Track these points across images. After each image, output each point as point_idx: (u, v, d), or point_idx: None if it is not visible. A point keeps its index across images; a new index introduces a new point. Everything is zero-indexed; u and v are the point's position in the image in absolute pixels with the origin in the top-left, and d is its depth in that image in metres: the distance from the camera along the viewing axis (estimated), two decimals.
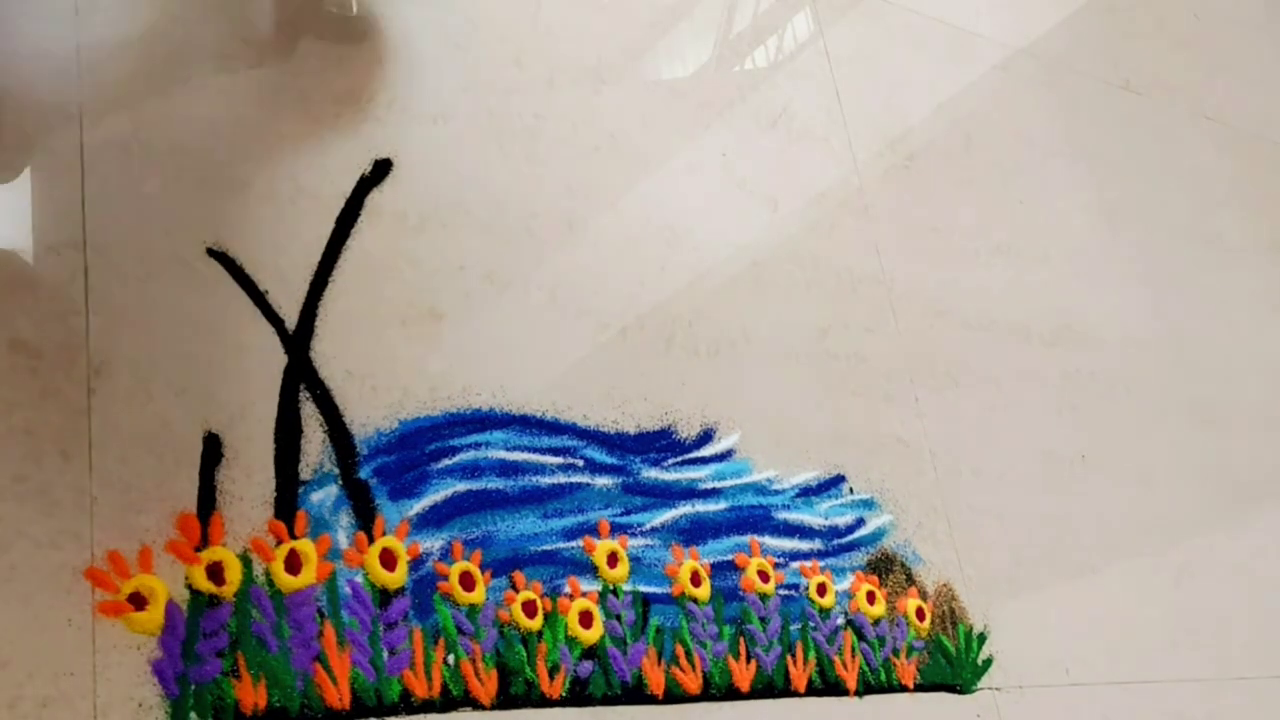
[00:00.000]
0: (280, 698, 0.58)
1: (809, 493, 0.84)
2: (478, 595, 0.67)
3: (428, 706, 0.63)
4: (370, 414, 0.67)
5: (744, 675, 0.75)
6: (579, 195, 0.82)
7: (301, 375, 0.65)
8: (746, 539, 0.80)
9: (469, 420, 0.71)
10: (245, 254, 0.66)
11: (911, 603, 0.85)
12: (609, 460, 0.76)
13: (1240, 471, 1.18)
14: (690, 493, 0.79)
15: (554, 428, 0.74)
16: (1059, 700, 0.91)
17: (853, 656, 0.80)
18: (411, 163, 0.75)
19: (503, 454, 0.72)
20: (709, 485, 0.80)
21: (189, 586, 0.58)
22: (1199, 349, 1.23)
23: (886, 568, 0.86)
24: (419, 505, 0.67)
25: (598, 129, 0.86)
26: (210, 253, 0.65)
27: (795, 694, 0.76)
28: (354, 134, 0.73)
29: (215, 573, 0.59)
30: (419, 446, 0.68)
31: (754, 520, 0.81)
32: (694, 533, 0.78)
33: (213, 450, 0.61)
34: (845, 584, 0.83)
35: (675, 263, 0.85)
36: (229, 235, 0.66)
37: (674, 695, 0.71)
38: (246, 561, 0.60)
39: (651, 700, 0.70)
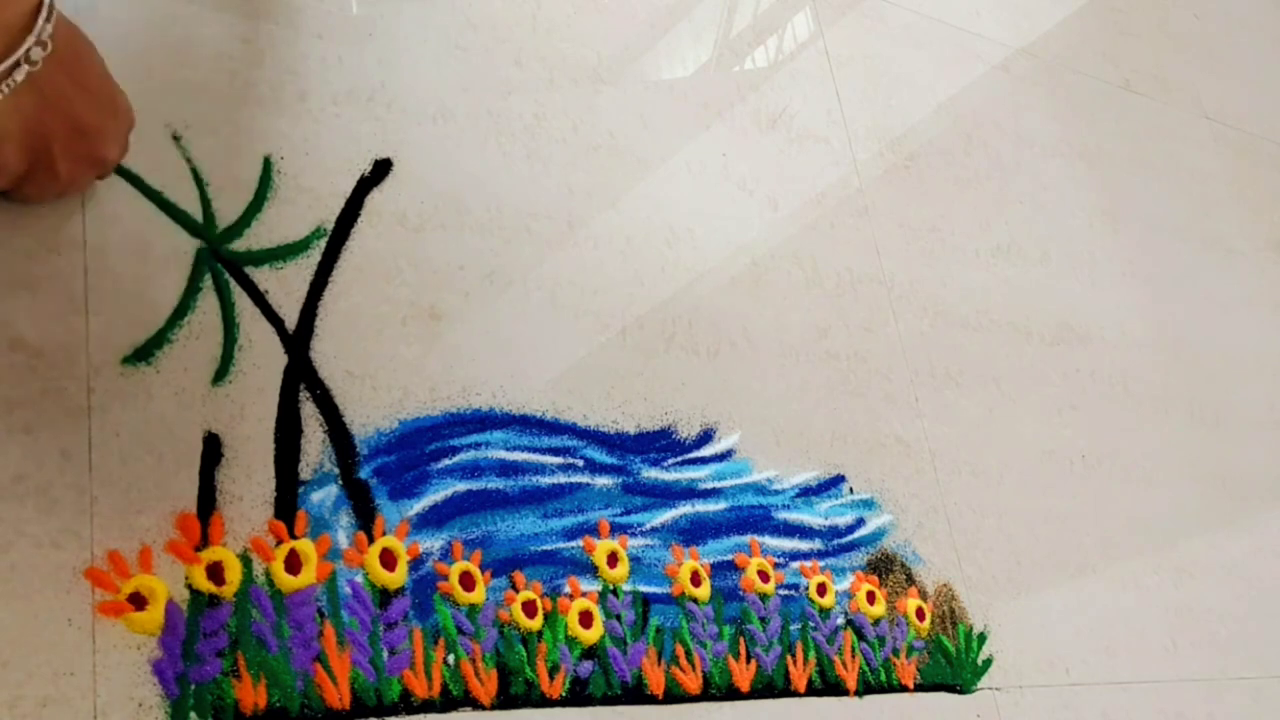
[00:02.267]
0: (280, 698, 0.58)
1: (809, 493, 0.84)
2: (478, 595, 0.67)
3: (428, 706, 0.63)
4: (370, 414, 0.67)
5: (744, 675, 0.75)
6: (579, 195, 0.82)
7: (301, 375, 0.65)
8: (746, 539, 0.80)
9: (469, 420, 0.71)
10: (245, 253, 0.66)
11: (911, 603, 0.85)
12: (609, 460, 0.76)
13: (1240, 471, 1.18)
14: (690, 493, 0.79)
15: (554, 428, 0.74)
16: (1059, 700, 0.91)
17: (853, 656, 0.80)
18: (411, 163, 0.75)
19: (503, 454, 0.72)
20: (709, 485, 0.80)
21: (189, 586, 0.58)
22: (1199, 349, 1.23)
23: (886, 568, 0.86)
24: (419, 505, 0.67)
25: (598, 129, 0.86)
26: (211, 251, 0.65)
27: (795, 694, 0.76)
28: (354, 134, 0.73)
29: (215, 573, 0.59)
30: (419, 446, 0.68)
31: (754, 520, 0.81)
32: (694, 533, 0.78)
33: (213, 450, 0.61)
34: (845, 584, 0.83)
35: (675, 263, 0.85)
36: (229, 235, 0.66)
37: (674, 695, 0.71)
38: (246, 561, 0.60)
39: (651, 700, 0.70)
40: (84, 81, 0.54)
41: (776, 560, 0.80)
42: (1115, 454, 1.08)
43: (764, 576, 0.79)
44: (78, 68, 0.53)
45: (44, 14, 0.50)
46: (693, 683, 0.72)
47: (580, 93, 0.86)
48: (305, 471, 0.64)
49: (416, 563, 0.66)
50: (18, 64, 0.50)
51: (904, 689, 0.81)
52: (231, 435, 0.62)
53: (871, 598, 0.83)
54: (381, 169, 0.73)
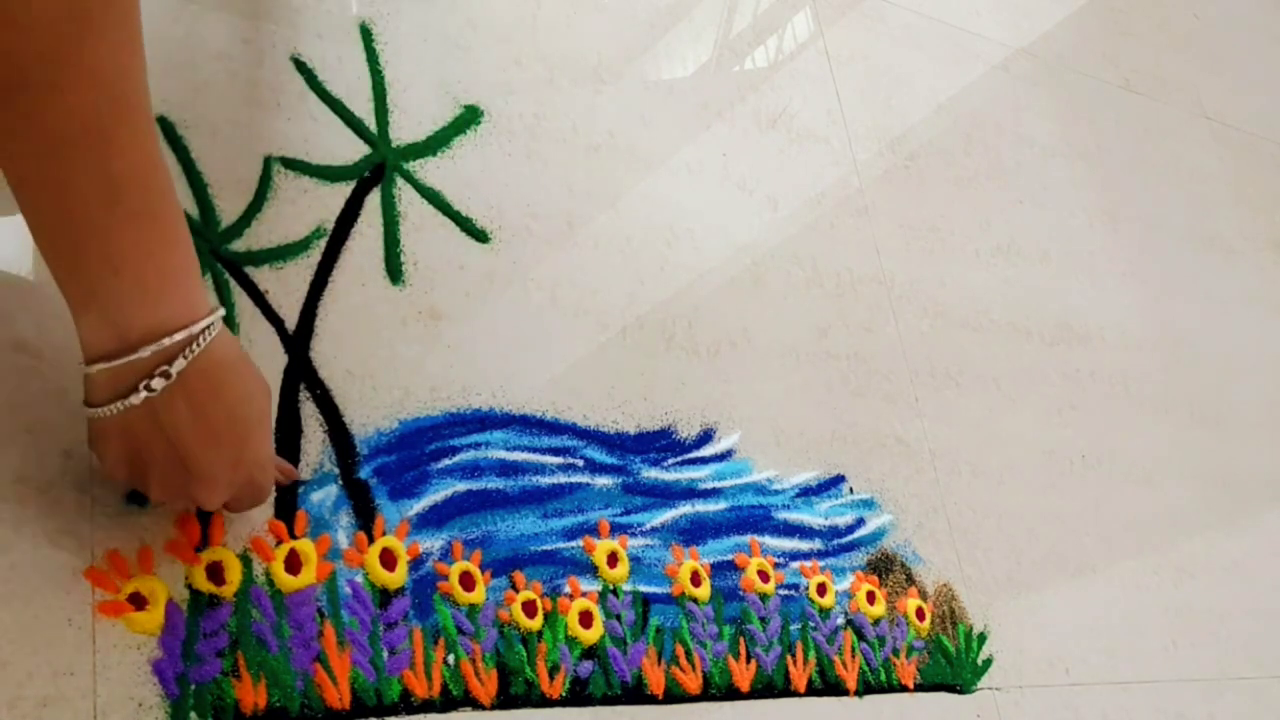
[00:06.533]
0: (280, 697, 0.58)
1: (809, 493, 0.84)
2: (478, 595, 0.67)
3: (428, 706, 0.63)
4: (370, 414, 0.67)
5: (744, 675, 0.75)
6: (579, 195, 0.82)
7: (301, 375, 0.65)
8: (746, 539, 0.80)
9: (469, 420, 0.71)
10: (244, 253, 0.66)
11: (911, 603, 0.85)
12: (609, 460, 0.76)
13: (1240, 471, 1.18)
14: (690, 493, 0.79)
15: (554, 428, 0.74)
16: (1059, 700, 0.91)
17: (853, 656, 0.80)
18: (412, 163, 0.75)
19: (503, 454, 0.72)
20: (709, 485, 0.80)
21: (189, 586, 0.58)
22: (1199, 349, 1.23)
23: (886, 568, 0.86)
24: (419, 505, 0.67)
25: (598, 129, 0.86)
26: (211, 251, 0.65)
27: (795, 694, 0.76)
28: (354, 134, 0.73)
29: (215, 573, 0.59)
30: (419, 446, 0.68)
31: (754, 520, 0.81)
32: (694, 533, 0.78)
33: None
34: (845, 584, 0.83)
35: (675, 263, 0.85)
36: (229, 234, 0.66)
37: (674, 695, 0.71)
38: (246, 561, 0.60)
39: (651, 700, 0.70)
40: (207, 419, 0.50)
41: (776, 560, 0.80)
42: (1115, 454, 1.08)
43: (764, 576, 0.79)
44: (206, 403, 0.50)
45: (184, 354, 0.49)
46: (693, 683, 0.72)
47: (580, 93, 0.86)
48: (305, 471, 0.64)
49: (416, 563, 0.66)
50: (135, 389, 0.48)
51: (904, 689, 0.81)
52: None
53: (871, 598, 0.83)
54: (381, 169, 0.73)
